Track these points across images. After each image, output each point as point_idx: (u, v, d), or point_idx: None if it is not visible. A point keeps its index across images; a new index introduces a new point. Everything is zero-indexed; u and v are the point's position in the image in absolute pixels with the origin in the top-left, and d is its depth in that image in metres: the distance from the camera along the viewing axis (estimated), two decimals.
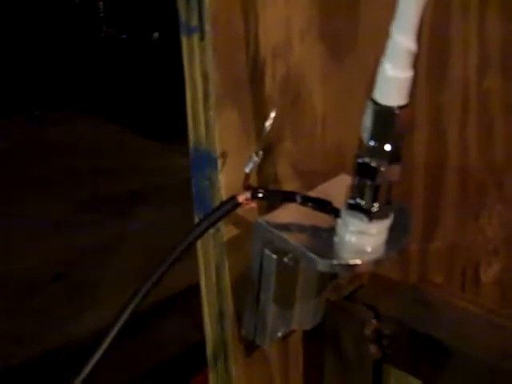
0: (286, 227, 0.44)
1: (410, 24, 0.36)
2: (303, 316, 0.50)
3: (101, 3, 5.07)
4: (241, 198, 0.44)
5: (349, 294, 0.52)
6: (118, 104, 4.06)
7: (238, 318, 0.49)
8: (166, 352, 1.78)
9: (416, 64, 0.38)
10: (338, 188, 0.45)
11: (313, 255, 0.42)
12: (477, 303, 0.52)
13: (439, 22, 0.59)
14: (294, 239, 0.43)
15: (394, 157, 0.40)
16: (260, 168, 0.47)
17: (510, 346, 0.46)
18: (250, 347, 0.51)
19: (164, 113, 3.87)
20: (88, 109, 4.00)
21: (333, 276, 0.51)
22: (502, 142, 0.68)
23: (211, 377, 0.53)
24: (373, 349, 0.49)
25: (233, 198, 0.44)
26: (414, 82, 0.39)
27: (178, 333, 1.84)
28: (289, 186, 0.49)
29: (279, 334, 0.49)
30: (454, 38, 0.61)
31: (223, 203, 0.45)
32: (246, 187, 0.44)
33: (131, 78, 4.29)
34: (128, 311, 0.47)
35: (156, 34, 4.89)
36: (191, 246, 0.46)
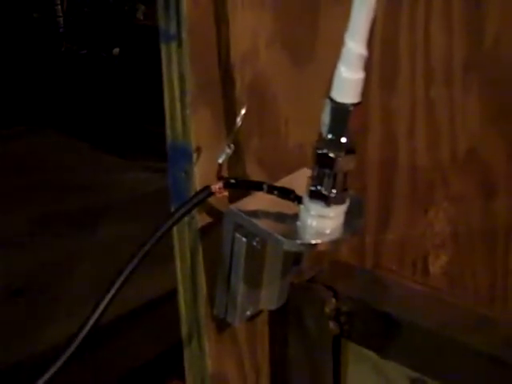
0: (254, 213, 0.49)
1: (361, 33, 0.42)
2: (270, 296, 0.55)
3: (61, 19, 5.07)
4: (214, 188, 0.50)
5: (310, 278, 0.57)
6: (78, 119, 4.06)
7: (210, 299, 0.54)
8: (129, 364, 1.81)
9: (368, 72, 0.44)
10: (299, 179, 0.51)
11: (279, 237, 0.47)
12: (426, 284, 0.58)
13: (389, 36, 0.65)
14: (262, 224, 0.49)
15: (349, 148, 0.46)
16: (230, 163, 0.52)
17: (452, 317, 0.52)
18: (221, 326, 0.56)
19: (124, 128, 3.89)
20: (47, 124, 3.99)
21: (296, 261, 0.56)
22: (447, 144, 0.75)
23: (186, 354, 0.57)
24: (332, 325, 0.55)
25: (207, 188, 0.50)
26: (367, 88, 0.45)
27: (142, 344, 1.87)
28: (256, 179, 0.55)
29: (248, 313, 0.55)
30: (403, 50, 0.67)
31: (198, 192, 0.50)
32: (219, 177, 0.50)
33: (91, 94, 4.30)
34: (105, 302, 0.50)
35: (116, 50, 4.90)
36: (167, 232, 0.51)
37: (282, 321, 0.57)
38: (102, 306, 0.49)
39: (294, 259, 0.55)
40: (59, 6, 5.10)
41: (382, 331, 0.53)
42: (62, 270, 2.36)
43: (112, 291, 0.51)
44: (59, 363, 0.49)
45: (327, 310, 0.54)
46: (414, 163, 0.71)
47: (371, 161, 0.66)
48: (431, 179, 0.74)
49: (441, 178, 0.76)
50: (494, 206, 0.84)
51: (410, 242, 0.73)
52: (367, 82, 0.44)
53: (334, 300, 0.55)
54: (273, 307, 0.56)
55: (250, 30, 0.52)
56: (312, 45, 0.57)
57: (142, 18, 5.33)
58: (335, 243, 0.48)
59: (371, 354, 0.54)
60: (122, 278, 0.51)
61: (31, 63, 4.65)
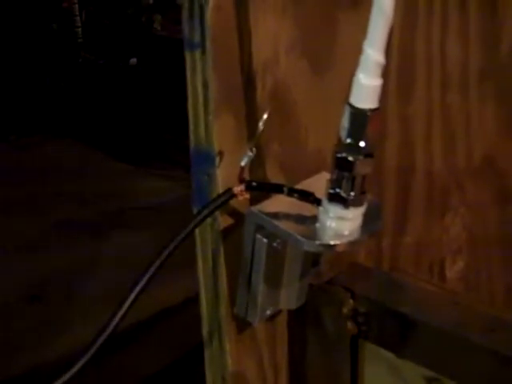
0: (275, 215, 0.51)
1: (379, 41, 0.44)
2: (289, 296, 0.57)
3: (79, 29, 5.13)
4: (236, 190, 0.51)
5: (329, 280, 0.59)
6: (95, 128, 4.10)
7: (231, 299, 0.56)
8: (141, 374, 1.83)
9: (386, 80, 0.45)
10: (318, 183, 0.52)
11: (300, 237, 0.49)
12: (442, 287, 0.59)
13: (406, 44, 0.67)
14: (282, 225, 0.50)
15: (367, 152, 0.47)
16: (251, 167, 0.54)
17: (468, 318, 0.53)
18: (241, 326, 0.58)
19: (140, 137, 3.92)
20: (65, 133, 4.03)
21: (314, 262, 0.58)
22: (463, 150, 0.76)
23: (206, 354, 0.59)
24: (350, 325, 0.56)
25: (229, 190, 0.52)
26: (385, 96, 0.47)
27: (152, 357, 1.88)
28: (276, 182, 0.56)
29: (268, 312, 0.56)
30: (419, 58, 0.69)
31: (220, 195, 0.52)
32: (241, 180, 0.51)
33: (108, 103, 4.35)
34: (128, 303, 0.52)
35: (133, 60, 4.96)
36: (191, 234, 0.53)
37: (301, 321, 0.59)
38: (126, 305, 0.51)
39: (312, 261, 0.57)
40: (78, 17, 5.16)
41: (398, 331, 0.54)
42: (77, 277, 2.38)
43: (135, 291, 0.52)
44: (76, 368, 0.50)
45: (345, 310, 0.56)
46: (431, 169, 0.73)
47: (389, 166, 0.68)
48: (448, 185, 0.76)
49: (457, 183, 0.77)
50: (510, 212, 0.85)
51: (426, 247, 0.75)
52: (384, 90, 0.46)
53: (351, 301, 0.56)
54: (292, 307, 0.57)
55: (271, 37, 0.54)
56: (331, 52, 0.58)
57: (159, 28, 5.39)
58: (353, 244, 0.49)
59: (388, 353, 0.55)
60: (145, 279, 0.53)
61: (50, 73, 4.71)
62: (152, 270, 0.53)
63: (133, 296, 0.51)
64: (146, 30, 5.15)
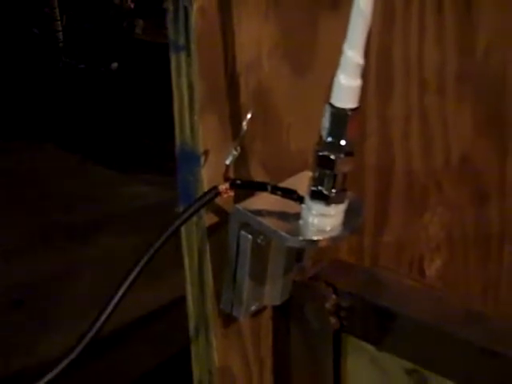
0: (259, 212, 0.53)
1: (358, 42, 0.45)
2: (273, 292, 0.58)
3: (60, 34, 5.11)
4: (221, 188, 0.53)
5: (312, 276, 0.60)
6: (77, 133, 4.09)
7: (217, 295, 0.57)
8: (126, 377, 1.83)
9: (365, 82, 0.47)
10: (301, 181, 0.54)
11: (283, 233, 0.50)
12: (422, 282, 0.61)
13: (384, 47, 0.69)
14: (266, 222, 0.52)
15: (347, 150, 0.49)
16: (235, 166, 0.56)
17: (446, 311, 0.55)
18: (227, 322, 0.59)
19: (123, 142, 3.92)
20: (47, 138, 4.02)
21: (298, 259, 0.59)
22: (441, 151, 0.78)
23: (193, 349, 0.60)
24: (332, 320, 0.58)
25: (214, 188, 0.53)
26: (364, 97, 0.49)
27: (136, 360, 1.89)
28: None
29: (253, 308, 0.58)
30: (397, 60, 0.71)
31: (206, 193, 0.53)
32: (226, 178, 0.53)
33: (90, 108, 4.34)
34: (121, 291, 0.54)
35: (115, 65, 4.95)
36: (176, 231, 0.54)
37: (285, 316, 0.60)
38: (114, 301, 0.52)
39: (296, 257, 0.59)
40: (59, 22, 5.14)
41: (379, 325, 0.56)
42: (62, 281, 2.38)
43: (122, 289, 0.53)
44: (59, 369, 0.51)
45: (328, 305, 0.57)
46: (410, 168, 0.75)
47: (369, 165, 0.70)
48: (426, 184, 0.78)
49: (435, 184, 0.79)
50: (486, 212, 0.87)
51: (406, 245, 0.77)
52: (364, 91, 0.48)
53: (334, 296, 0.58)
54: (276, 303, 0.59)
55: (254, 40, 0.55)
56: (312, 54, 0.60)
57: (140, 32, 5.38)
58: (335, 240, 0.51)
59: (369, 347, 0.57)
60: (132, 276, 0.54)
61: (30, 77, 4.68)
62: (139, 267, 0.54)
63: (121, 292, 0.52)
64: (127, 35, 5.14)
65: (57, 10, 5.09)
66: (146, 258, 0.54)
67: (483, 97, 0.81)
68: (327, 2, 0.59)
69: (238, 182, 0.53)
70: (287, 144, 0.60)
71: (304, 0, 0.59)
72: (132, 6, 5.39)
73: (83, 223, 2.93)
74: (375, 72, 0.68)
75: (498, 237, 0.88)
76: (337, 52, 0.46)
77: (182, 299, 0.61)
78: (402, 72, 0.72)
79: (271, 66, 0.57)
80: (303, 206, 0.51)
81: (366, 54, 0.46)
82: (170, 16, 0.52)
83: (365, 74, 0.47)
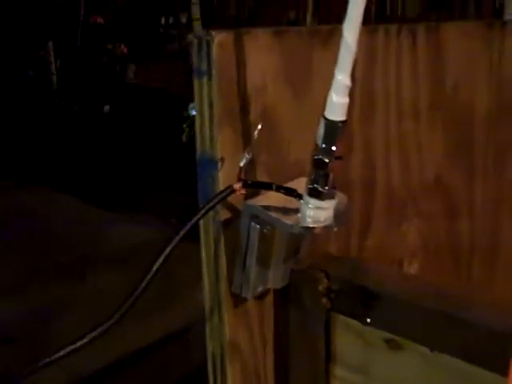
0: (266, 207, 0.65)
1: (347, 68, 0.58)
2: (276, 277, 0.70)
3: (54, 77, 5.26)
4: (235, 186, 0.65)
5: (307, 266, 0.72)
6: (68, 174, 4.18)
7: (229, 279, 0.69)
8: None
9: (351, 107, 0.59)
10: (298, 185, 0.66)
11: (287, 222, 0.62)
12: (400, 272, 0.73)
13: (367, 78, 0.81)
14: (272, 214, 0.64)
15: (338, 155, 0.61)
16: (246, 173, 0.68)
17: (418, 289, 0.67)
18: (237, 303, 0.70)
19: (113, 183, 4.02)
20: (37, 179, 4.11)
21: (296, 251, 0.71)
22: (416, 170, 0.91)
23: (208, 326, 0.71)
24: (324, 301, 0.69)
25: (229, 187, 0.65)
26: (351, 120, 0.61)
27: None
28: None
29: (259, 290, 0.69)
30: (378, 90, 0.84)
31: (222, 190, 0.65)
32: (239, 179, 0.65)
33: (81, 149, 4.44)
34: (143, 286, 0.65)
35: (107, 107, 5.09)
36: (196, 224, 0.66)
37: (285, 298, 0.71)
38: (148, 277, 0.63)
39: (294, 249, 0.70)
40: (53, 65, 5.30)
41: (363, 304, 0.67)
42: (51, 318, 2.45)
43: (154, 269, 0.65)
44: (99, 331, 0.62)
45: (320, 288, 0.69)
46: (390, 183, 0.87)
47: (355, 179, 0.82)
48: (404, 198, 0.90)
49: (412, 197, 0.91)
50: (457, 225, 0.99)
51: (387, 248, 0.89)
52: (350, 115, 0.60)
53: (326, 280, 0.69)
54: (278, 286, 0.70)
55: (261, 68, 0.68)
56: (308, 82, 0.73)
57: (132, 76, 5.54)
58: (327, 228, 0.63)
59: (355, 322, 0.68)
60: (159, 261, 0.66)
61: (24, 118, 4.79)
62: (166, 251, 0.65)
63: (154, 269, 0.63)
64: (120, 79, 5.30)
65: (52, 54, 5.25)
66: (169, 249, 0.66)
67: (453, 125, 0.94)
68: (320, 39, 0.73)
69: (249, 182, 0.65)
70: (287, 155, 0.73)
71: (301, 36, 0.72)
72: (125, 50, 5.56)
73: (71, 261, 3.00)
74: (359, 98, 0.80)
75: (468, 247, 1.00)
76: (328, 79, 0.59)
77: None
78: (383, 100, 0.84)
79: (275, 90, 0.70)
80: (301, 201, 0.63)
81: (352, 88, 0.59)
82: (194, 47, 0.65)
83: (351, 101, 0.59)
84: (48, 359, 0.62)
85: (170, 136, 4.07)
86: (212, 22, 4.97)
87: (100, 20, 5.69)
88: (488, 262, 1.03)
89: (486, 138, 0.99)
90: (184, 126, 4.14)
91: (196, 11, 4.22)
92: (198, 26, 4.26)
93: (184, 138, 4.19)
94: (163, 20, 6.06)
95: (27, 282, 2.81)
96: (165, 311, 2.49)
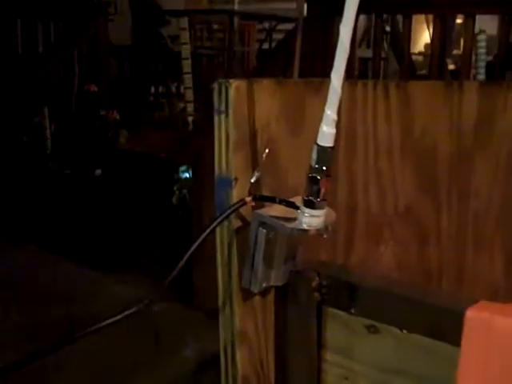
0: (271, 215, 0.82)
1: (334, 106, 0.77)
2: (278, 275, 0.86)
3: (48, 141, 5.44)
4: (247, 199, 0.82)
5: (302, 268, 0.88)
6: (60, 235, 4.27)
7: (240, 277, 0.85)
8: None
9: (337, 146, 0.78)
10: (295, 200, 0.84)
11: (288, 226, 0.80)
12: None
13: (350, 123, 1.00)
14: (276, 220, 0.81)
15: (327, 173, 0.79)
16: (254, 191, 0.85)
17: (393, 283, 0.83)
18: (245, 297, 0.86)
19: (102, 244, 4.14)
20: (31, 239, 4.21)
21: (293, 256, 0.88)
22: (391, 200, 1.09)
23: (221, 318, 0.87)
24: (316, 295, 0.85)
25: (242, 199, 0.82)
26: (337, 155, 0.80)
27: None
28: None
29: (264, 285, 0.85)
30: (359, 133, 1.02)
31: (236, 203, 0.83)
32: (250, 193, 0.82)
33: (72, 211, 4.57)
34: None
35: (98, 171, 5.26)
36: (213, 231, 0.83)
37: (283, 294, 0.88)
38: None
39: (293, 252, 0.87)
40: (48, 130, 5.49)
41: (349, 297, 0.84)
42: (47, 380, 2.53)
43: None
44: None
45: (313, 284, 0.85)
46: (369, 210, 1.05)
47: (340, 204, 1.00)
48: (381, 223, 1.08)
49: (387, 223, 1.09)
50: (427, 250, 1.17)
51: (367, 266, 1.05)
52: (336, 152, 0.79)
53: (317, 278, 0.86)
54: (279, 284, 0.87)
55: (266, 109, 0.87)
56: (302, 122, 0.91)
57: (124, 141, 5.74)
58: (319, 231, 0.80)
59: (342, 313, 0.85)
60: (183, 261, 0.82)
61: (18, 180, 4.92)
62: (191, 250, 0.82)
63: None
64: (111, 144, 5.49)
65: (47, 120, 5.44)
66: (190, 251, 0.83)
67: (420, 164, 1.13)
68: (313, 88, 0.92)
69: (258, 195, 0.83)
70: (286, 180, 0.90)
71: (298, 86, 0.91)
72: (117, 117, 5.78)
73: (62, 322, 3.08)
74: (344, 140, 0.99)
75: (437, 269, 1.17)
76: (318, 121, 0.77)
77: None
78: (362, 141, 1.03)
79: (277, 127, 0.88)
80: (299, 211, 0.81)
81: (337, 129, 0.77)
82: (215, 91, 0.84)
83: (337, 141, 0.78)
84: (85, 331, 0.76)
85: (161, 198, 4.24)
86: (202, 90, 5.23)
87: (94, 88, 5.91)
88: (455, 281, 1.19)
89: (449, 177, 1.17)
90: (174, 188, 4.31)
91: (188, 81, 4.47)
92: (189, 93, 4.50)
93: (174, 200, 4.37)
94: (153, 89, 6.34)
95: (20, 343, 2.87)
96: (153, 369, 2.60)
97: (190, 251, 0.81)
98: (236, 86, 0.83)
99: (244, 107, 0.84)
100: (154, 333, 2.91)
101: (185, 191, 4.03)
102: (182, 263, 0.82)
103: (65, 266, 3.90)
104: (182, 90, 5.34)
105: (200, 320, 2.97)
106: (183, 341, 2.88)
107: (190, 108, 4.51)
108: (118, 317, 0.77)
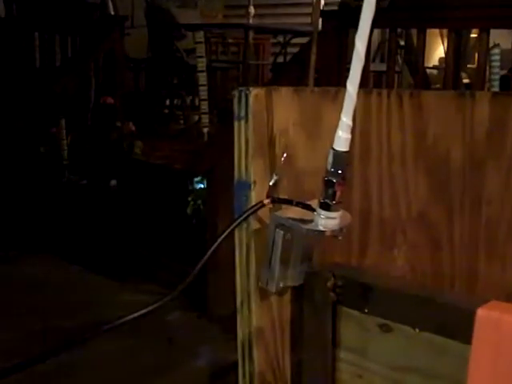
0: (289, 217, 0.85)
1: (349, 113, 0.80)
2: (294, 276, 0.89)
3: (65, 152, 5.51)
4: (265, 201, 0.86)
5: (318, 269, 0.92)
6: (76, 244, 4.32)
7: (257, 276, 0.88)
8: None
9: (352, 150, 0.81)
10: (313, 203, 0.87)
11: (305, 227, 0.83)
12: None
13: (365, 131, 1.03)
14: (294, 222, 0.84)
15: (343, 176, 0.82)
16: (271, 195, 0.88)
17: (405, 283, 0.86)
18: (262, 296, 0.90)
19: (119, 253, 4.18)
20: (41, 249, 4.26)
21: (309, 258, 0.91)
22: (404, 206, 1.12)
23: (238, 316, 0.90)
24: (332, 295, 0.89)
25: (260, 202, 0.86)
26: (352, 162, 0.83)
27: None
28: None
29: (281, 285, 0.88)
30: (373, 141, 1.06)
31: (255, 205, 0.86)
32: (268, 196, 0.86)
33: (88, 221, 4.63)
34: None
35: (113, 182, 5.32)
36: (232, 231, 0.86)
37: (300, 294, 0.91)
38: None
39: (308, 253, 0.90)
40: (64, 141, 5.56)
41: (362, 297, 0.87)
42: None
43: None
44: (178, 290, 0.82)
45: (328, 284, 0.88)
46: (383, 215, 1.08)
47: (355, 209, 1.03)
48: (394, 228, 1.11)
49: (401, 228, 1.12)
50: (440, 255, 1.19)
51: (381, 269, 1.08)
52: (351, 159, 0.82)
53: (332, 278, 0.89)
54: (295, 284, 0.90)
55: (284, 115, 0.90)
56: (319, 128, 0.95)
57: (139, 153, 5.80)
58: (334, 232, 0.84)
59: (356, 312, 0.88)
60: (203, 260, 0.86)
61: (35, 191, 4.99)
62: (209, 253, 0.86)
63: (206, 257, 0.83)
64: (127, 155, 5.55)
65: (64, 131, 5.52)
66: (211, 250, 0.86)
67: (433, 171, 1.16)
68: (329, 96, 0.95)
69: (276, 198, 0.86)
70: (302, 184, 0.94)
71: (315, 94, 0.95)
72: (133, 128, 5.84)
73: (75, 329, 3.12)
74: (359, 147, 1.02)
75: (449, 274, 1.20)
76: (334, 127, 0.81)
77: None
78: (376, 148, 1.06)
79: (294, 132, 0.92)
80: (315, 213, 0.84)
81: (352, 136, 0.81)
82: (235, 99, 0.87)
83: (352, 148, 0.81)
84: (112, 324, 0.80)
85: (175, 209, 4.28)
86: (216, 101, 5.29)
87: (110, 100, 5.98)
88: (468, 287, 1.22)
89: (461, 184, 1.20)
90: (189, 199, 4.36)
91: (203, 93, 4.53)
92: (204, 105, 4.56)
93: (189, 210, 4.41)
94: (168, 101, 6.40)
95: (35, 347, 2.91)
96: (165, 378, 2.62)
97: (207, 255, 0.85)
98: (255, 94, 0.86)
99: (263, 114, 0.87)
100: (167, 339, 2.94)
101: (199, 202, 4.07)
102: (198, 268, 0.85)
103: (81, 275, 3.95)
104: (196, 102, 5.40)
105: (214, 329, 3.00)
106: (196, 349, 2.91)
107: (205, 120, 4.57)
108: (144, 310, 0.80)
